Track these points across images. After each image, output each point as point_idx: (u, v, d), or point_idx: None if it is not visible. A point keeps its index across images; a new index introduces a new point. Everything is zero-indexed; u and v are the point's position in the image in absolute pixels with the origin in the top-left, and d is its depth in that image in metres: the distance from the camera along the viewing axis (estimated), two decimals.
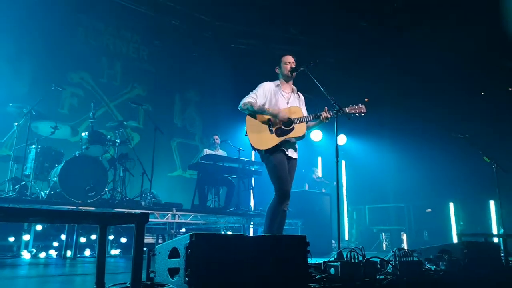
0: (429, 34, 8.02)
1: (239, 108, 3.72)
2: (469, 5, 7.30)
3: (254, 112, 3.65)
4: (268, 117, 3.65)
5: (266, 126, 3.64)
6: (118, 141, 5.97)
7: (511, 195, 8.33)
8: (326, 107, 3.64)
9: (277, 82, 3.86)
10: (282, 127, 3.64)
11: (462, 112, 9.29)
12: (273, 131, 3.62)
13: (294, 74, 3.81)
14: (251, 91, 3.76)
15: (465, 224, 8.95)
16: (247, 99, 3.69)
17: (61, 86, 5.82)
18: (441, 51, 8.19)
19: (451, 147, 8.77)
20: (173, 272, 2.23)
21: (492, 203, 8.65)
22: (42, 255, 5.00)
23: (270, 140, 3.60)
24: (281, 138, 3.61)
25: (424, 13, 7.80)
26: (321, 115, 3.64)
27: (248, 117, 3.70)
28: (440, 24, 7.79)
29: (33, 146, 5.43)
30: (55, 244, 5.19)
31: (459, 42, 8.06)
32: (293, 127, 3.66)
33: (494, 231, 8.44)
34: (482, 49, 8.12)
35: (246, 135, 3.69)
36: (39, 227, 5.10)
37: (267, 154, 3.60)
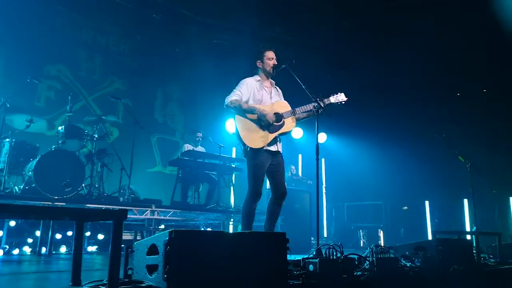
0: (408, 36, 8.16)
1: (225, 106, 3.66)
2: (447, 8, 7.48)
3: (243, 112, 3.60)
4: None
5: (258, 122, 3.61)
6: (96, 136, 5.87)
7: (484, 194, 8.61)
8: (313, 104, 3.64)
9: (257, 77, 3.84)
10: (274, 123, 3.65)
11: (439, 113, 9.52)
12: (265, 127, 3.61)
13: (274, 71, 3.81)
14: (234, 88, 3.72)
15: (439, 221, 9.19)
16: (233, 97, 3.63)
17: (37, 79, 5.66)
18: (419, 52, 8.35)
19: (428, 147, 8.99)
20: (151, 269, 2.21)
21: (466, 202, 8.91)
22: (16, 251, 4.87)
23: (263, 137, 3.59)
24: (274, 134, 3.63)
25: (402, 16, 7.94)
26: (312, 108, 3.62)
27: (237, 115, 3.64)
28: (419, 26, 7.94)
29: (7, 139, 5.27)
30: (30, 240, 5.07)
31: (437, 44, 8.25)
32: (283, 122, 3.68)
33: (468, 228, 8.70)
34: (459, 51, 8.33)
35: (235, 133, 3.64)
36: (12, 223, 4.97)
37: (252, 152, 3.58)
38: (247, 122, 3.61)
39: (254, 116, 3.60)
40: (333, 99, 3.69)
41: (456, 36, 8.01)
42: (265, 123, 3.58)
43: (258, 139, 3.58)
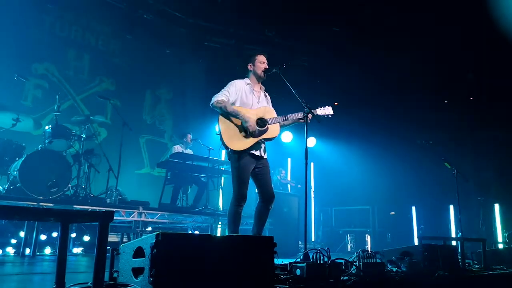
0: (396, 44, 8.27)
1: (210, 105, 3.65)
2: (435, 16, 7.60)
3: (227, 114, 3.59)
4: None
5: (241, 126, 3.60)
6: (84, 136, 5.79)
7: (469, 201, 8.75)
8: (302, 112, 3.68)
9: (247, 80, 3.83)
10: (257, 128, 3.65)
11: (426, 120, 9.66)
12: (249, 131, 3.61)
13: (265, 75, 3.82)
14: (222, 88, 3.71)
15: (425, 227, 9.30)
16: (219, 96, 3.63)
17: (24, 77, 5.59)
18: (408, 60, 8.47)
19: (415, 154, 9.12)
20: (137, 272, 2.18)
21: (451, 208, 9.02)
22: None
23: (245, 140, 3.58)
24: (256, 139, 3.61)
25: (391, 23, 8.04)
26: (298, 118, 3.69)
27: (221, 117, 3.63)
28: (407, 34, 8.06)
29: None
30: (13, 241, 4.98)
31: (425, 53, 8.37)
32: (267, 128, 3.68)
33: (453, 234, 8.81)
34: (446, 61, 8.46)
35: (218, 134, 3.63)
36: None
37: (235, 155, 3.57)
38: (230, 124, 3.61)
39: (238, 121, 3.61)
40: (320, 111, 3.74)
41: (443, 45, 8.14)
42: (247, 129, 3.57)
43: (240, 142, 3.57)
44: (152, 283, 2.01)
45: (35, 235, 4.77)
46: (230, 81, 3.78)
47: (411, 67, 8.65)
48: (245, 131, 3.59)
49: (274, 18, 8.52)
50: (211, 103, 3.63)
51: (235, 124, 3.60)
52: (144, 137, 9.10)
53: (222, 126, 3.61)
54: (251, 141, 3.59)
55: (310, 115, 3.64)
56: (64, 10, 7.97)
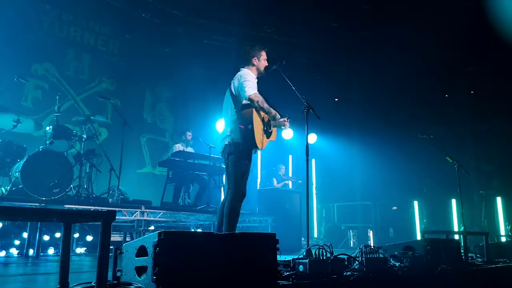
0: (396, 38, 8.25)
1: (247, 97, 3.43)
2: (434, 10, 7.57)
3: (261, 109, 3.46)
4: (267, 116, 3.63)
5: (262, 125, 3.59)
6: (85, 136, 5.80)
7: (471, 195, 8.74)
8: (286, 118, 3.78)
9: (252, 73, 3.73)
10: (269, 130, 3.66)
11: (426, 114, 9.64)
12: (265, 131, 3.64)
13: (265, 72, 3.80)
14: (245, 80, 3.51)
15: (428, 221, 9.29)
16: (254, 89, 3.47)
17: (24, 78, 5.58)
18: (407, 54, 8.44)
19: (416, 148, 9.09)
20: (140, 270, 2.19)
21: (453, 202, 9.01)
22: (2, 253, 4.80)
23: (264, 139, 3.61)
24: (268, 140, 3.67)
25: (390, 18, 8.02)
26: (284, 124, 3.83)
27: (255, 112, 3.49)
28: (407, 29, 8.03)
29: None
30: (17, 242, 5.00)
31: (425, 47, 8.35)
32: (271, 131, 3.73)
33: (455, 228, 8.81)
34: (446, 54, 8.44)
35: (246, 128, 3.45)
36: None
37: (248, 152, 3.51)
38: (259, 121, 3.54)
39: (266, 117, 3.58)
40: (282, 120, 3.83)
41: (443, 38, 8.12)
42: (277, 125, 3.63)
43: (262, 141, 3.56)
44: (155, 281, 2.01)
45: (38, 236, 4.79)
46: (243, 71, 3.64)
47: (411, 61, 8.62)
48: (264, 131, 3.59)
49: (273, 14, 8.51)
50: (248, 94, 3.42)
51: (261, 120, 3.57)
52: (145, 136, 9.11)
53: (255, 121, 3.46)
54: (266, 141, 3.63)
55: (287, 124, 3.77)
56: (63, 10, 7.96)
